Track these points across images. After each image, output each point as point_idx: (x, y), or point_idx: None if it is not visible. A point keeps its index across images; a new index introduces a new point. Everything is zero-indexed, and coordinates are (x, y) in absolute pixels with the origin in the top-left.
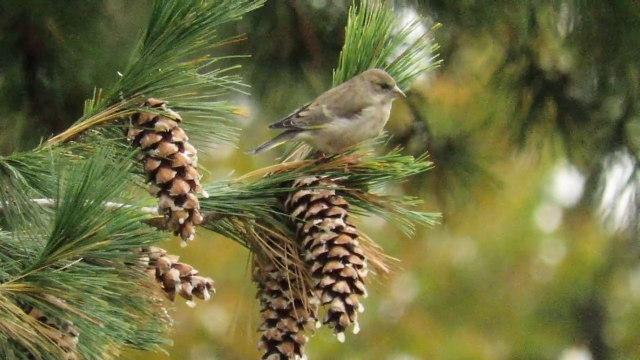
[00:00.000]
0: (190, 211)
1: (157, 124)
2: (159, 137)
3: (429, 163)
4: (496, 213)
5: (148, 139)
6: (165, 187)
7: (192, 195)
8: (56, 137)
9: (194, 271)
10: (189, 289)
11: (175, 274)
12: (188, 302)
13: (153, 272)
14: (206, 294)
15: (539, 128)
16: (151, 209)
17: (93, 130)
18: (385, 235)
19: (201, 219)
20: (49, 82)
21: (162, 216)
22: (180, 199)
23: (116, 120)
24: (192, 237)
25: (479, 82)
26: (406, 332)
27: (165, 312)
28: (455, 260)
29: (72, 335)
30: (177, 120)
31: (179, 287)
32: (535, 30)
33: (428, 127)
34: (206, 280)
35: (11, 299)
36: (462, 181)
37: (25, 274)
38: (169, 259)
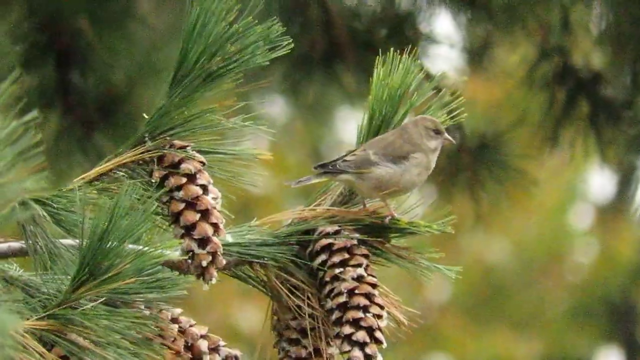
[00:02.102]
0: (213, 254)
1: (182, 166)
2: (184, 180)
3: (449, 228)
4: (530, 211)
5: (173, 181)
6: (189, 229)
7: (215, 239)
8: (81, 177)
9: (222, 342)
10: None
11: (203, 345)
12: None
13: (182, 342)
14: None
15: (571, 126)
16: (173, 251)
17: (118, 172)
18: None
19: (224, 262)
20: (81, 82)
21: (184, 258)
22: (203, 241)
23: (141, 162)
24: (214, 281)
25: (512, 80)
26: (440, 331)
27: None
28: (489, 259)
29: None
30: (202, 163)
31: (207, 358)
32: (568, 29)
33: (461, 125)
34: (234, 352)
35: (33, 336)
36: (496, 179)
37: (48, 312)
38: (198, 330)
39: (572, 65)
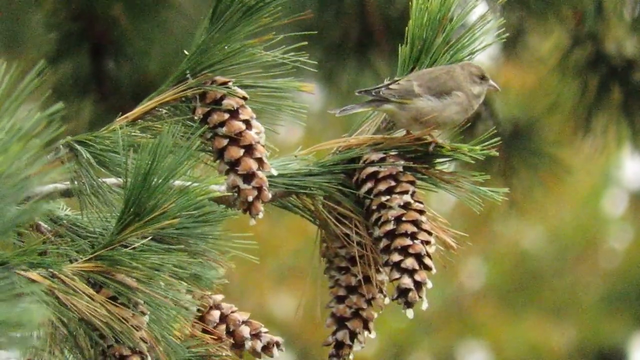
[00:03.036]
0: (259, 189)
1: (224, 102)
2: (226, 115)
3: (494, 151)
4: (564, 198)
5: (215, 117)
6: (234, 165)
7: (260, 173)
8: (124, 116)
9: (264, 329)
10: (259, 346)
11: (245, 331)
12: None
13: (223, 327)
14: (275, 352)
15: (604, 113)
16: (219, 187)
17: (160, 110)
18: (452, 219)
19: (269, 196)
20: (116, 70)
21: (230, 194)
22: (248, 176)
23: (183, 99)
24: (260, 215)
25: (545, 67)
26: (474, 318)
27: None
28: (523, 245)
29: (143, 314)
30: (244, 98)
31: (248, 344)
32: (601, 15)
33: (494, 112)
34: (275, 338)
35: (81, 278)
36: (529, 166)
37: (95, 254)
38: (240, 316)
39: (605, 52)
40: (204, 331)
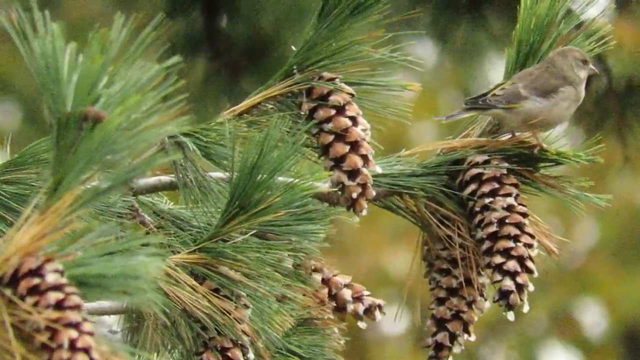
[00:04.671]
0: (363, 186)
1: (331, 98)
2: (333, 112)
3: (599, 158)
4: None
5: (322, 113)
6: (339, 161)
7: (365, 170)
8: (230, 110)
9: (366, 292)
10: (361, 309)
11: (347, 294)
12: (359, 323)
13: (325, 291)
14: (377, 315)
15: None
16: (323, 183)
17: (267, 104)
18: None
19: (374, 193)
20: (229, 27)
21: (334, 190)
22: (353, 173)
23: (290, 94)
24: (364, 212)
25: None
26: (588, 275)
27: (336, 330)
28: (637, 202)
29: (245, 307)
30: (351, 95)
31: (350, 307)
32: None
33: (608, 68)
34: (377, 301)
35: (184, 269)
36: None
37: (199, 246)
38: (342, 279)
39: None
40: (307, 295)
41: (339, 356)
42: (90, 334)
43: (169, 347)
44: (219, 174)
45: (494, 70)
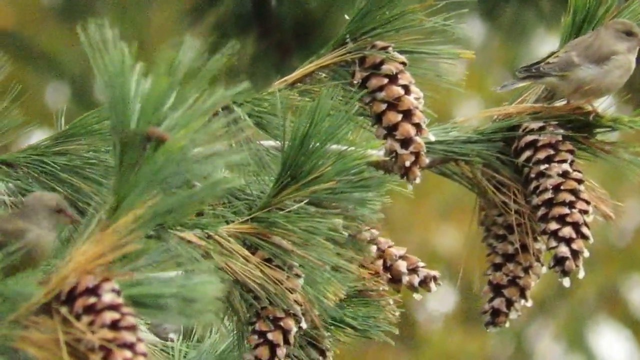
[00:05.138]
0: (416, 154)
1: (384, 67)
2: (385, 80)
3: None
4: None
5: (374, 82)
6: (392, 130)
7: (418, 139)
8: (282, 79)
9: (421, 263)
10: (416, 281)
11: (402, 266)
12: (414, 295)
13: (380, 262)
14: (432, 286)
15: None
16: (376, 152)
17: (319, 73)
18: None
19: (427, 161)
20: (278, 6)
21: (388, 159)
22: (406, 142)
23: (342, 63)
24: (417, 180)
25: None
26: (637, 253)
27: (391, 302)
28: None
29: (298, 276)
30: (403, 64)
31: (405, 279)
32: None
33: None
34: (433, 272)
35: (237, 240)
36: None
37: (251, 216)
38: (397, 251)
39: None
40: (361, 266)
41: (393, 328)
42: (144, 354)
43: (223, 318)
44: (271, 143)
45: (542, 49)
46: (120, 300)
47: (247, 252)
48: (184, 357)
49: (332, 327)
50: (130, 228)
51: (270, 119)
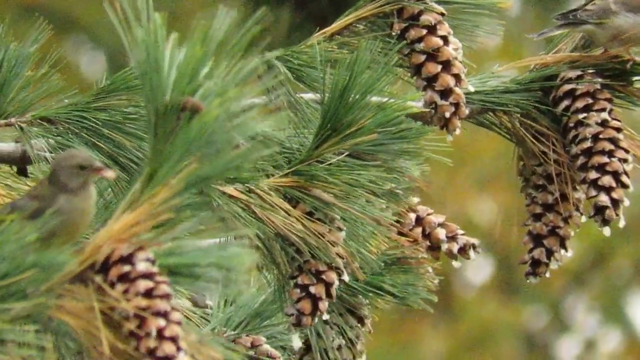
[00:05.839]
0: (456, 105)
1: (422, 17)
2: (424, 31)
3: None
4: None
5: (413, 33)
6: (431, 81)
7: (457, 89)
8: (321, 32)
9: (460, 231)
10: (455, 248)
11: (441, 233)
12: (453, 262)
13: (419, 230)
14: (472, 253)
15: None
16: (416, 103)
17: (358, 25)
18: None
19: (467, 112)
20: None
21: (427, 110)
22: (445, 93)
23: (381, 15)
24: (457, 131)
25: None
26: None
27: (430, 269)
28: None
29: (339, 229)
30: (442, 14)
31: (444, 246)
32: None
33: None
34: (472, 240)
35: (278, 193)
36: None
37: (292, 169)
38: (436, 218)
39: None
40: (400, 234)
41: (432, 295)
42: (179, 323)
43: (264, 271)
44: (310, 96)
45: None
46: (154, 269)
47: (288, 206)
48: (222, 311)
49: (370, 294)
50: (165, 197)
51: (310, 71)
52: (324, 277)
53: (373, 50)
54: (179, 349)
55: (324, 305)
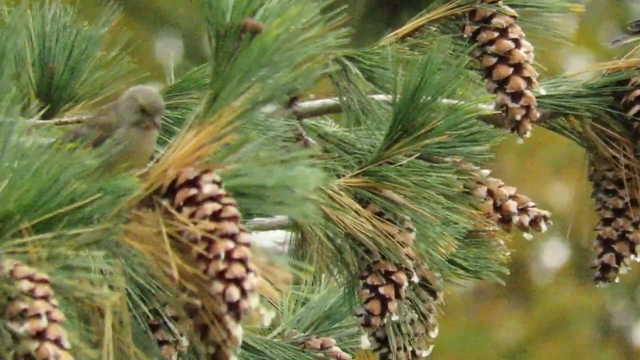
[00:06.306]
0: (527, 108)
1: (494, 20)
2: (496, 34)
3: None
4: None
5: (484, 36)
6: (502, 83)
7: (528, 92)
8: (393, 33)
9: (531, 203)
10: (526, 220)
11: (512, 206)
12: (524, 234)
13: (490, 202)
14: (543, 226)
15: None
16: (487, 105)
17: (430, 27)
18: None
19: (538, 115)
20: None
21: (498, 113)
22: (516, 95)
23: (452, 17)
24: (528, 134)
25: None
26: None
27: (502, 242)
28: None
29: (409, 230)
30: (513, 17)
31: (516, 219)
32: None
33: None
34: (543, 212)
35: (348, 193)
36: None
37: (363, 169)
38: (507, 191)
39: None
40: (471, 206)
41: (504, 268)
42: (247, 244)
43: (335, 272)
44: (381, 97)
45: None
46: (221, 191)
47: (358, 206)
48: (292, 313)
49: (442, 267)
50: (229, 119)
51: (381, 72)
52: (393, 278)
53: (445, 52)
54: (248, 270)
55: (393, 306)
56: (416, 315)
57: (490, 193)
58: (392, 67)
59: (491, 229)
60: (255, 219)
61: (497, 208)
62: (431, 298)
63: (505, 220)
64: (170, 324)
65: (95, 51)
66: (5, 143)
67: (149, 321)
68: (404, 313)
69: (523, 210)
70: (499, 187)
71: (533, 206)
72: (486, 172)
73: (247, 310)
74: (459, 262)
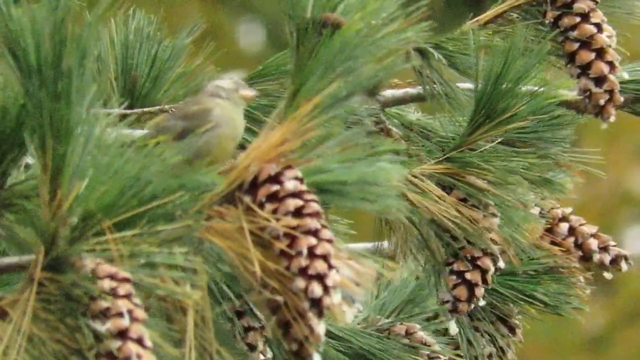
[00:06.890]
0: (610, 92)
1: (576, 5)
2: (578, 19)
3: None
4: None
5: (566, 21)
6: (585, 68)
7: (612, 77)
8: (475, 19)
9: (612, 242)
10: (607, 259)
11: (594, 244)
12: (605, 274)
13: (572, 239)
14: (624, 265)
15: None
16: (570, 91)
17: (511, 13)
18: None
19: (622, 100)
20: None
21: (581, 98)
22: (600, 80)
23: (534, 3)
24: (612, 119)
25: None
26: None
27: (582, 279)
28: None
29: (494, 215)
30: (595, 2)
31: (596, 257)
32: None
33: None
34: (624, 252)
35: (431, 180)
36: None
37: (446, 156)
38: (588, 229)
39: None
40: (552, 243)
41: (584, 305)
42: (330, 241)
43: (422, 262)
44: (465, 84)
45: None
46: (303, 187)
47: (441, 192)
48: (376, 297)
49: (522, 302)
50: (311, 114)
51: (464, 59)
52: (479, 263)
53: (527, 38)
54: (330, 266)
55: (480, 291)
56: (494, 350)
57: (571, 230)
58: (475, 53)
59: (572, 266)
60: None
61: (578, 245)
62: (510, 334)
63: (586, 258)
64: (256, 310)
65: (178, 62)
66: (88, 136)
67: (234, 308)
68: (482, 346)
69: (604, 248)
70: (581, 225)
71: (614, 245)
72: (569, 209)
73: (329, 307)
74: (540, 297)
